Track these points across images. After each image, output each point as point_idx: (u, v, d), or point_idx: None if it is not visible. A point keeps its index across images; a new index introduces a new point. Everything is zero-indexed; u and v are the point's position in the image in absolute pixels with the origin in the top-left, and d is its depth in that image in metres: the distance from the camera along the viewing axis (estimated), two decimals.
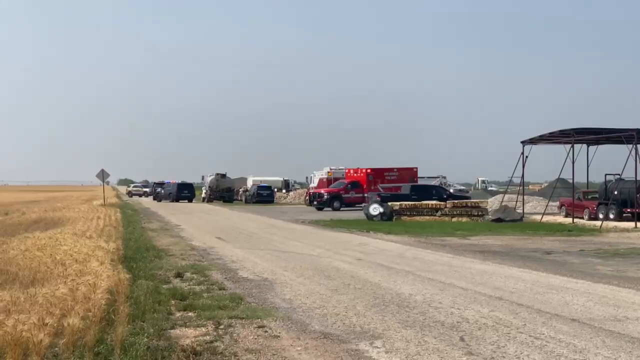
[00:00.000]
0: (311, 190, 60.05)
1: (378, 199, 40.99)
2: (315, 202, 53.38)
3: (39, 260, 14.59)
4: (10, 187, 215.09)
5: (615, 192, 33.90)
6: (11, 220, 33.18)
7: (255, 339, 8.85)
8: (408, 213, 37.35)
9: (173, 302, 11.33)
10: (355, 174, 55.98)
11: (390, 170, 55.53)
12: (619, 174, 34.39)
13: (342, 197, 52.40)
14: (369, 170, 54.78)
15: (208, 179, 76.53)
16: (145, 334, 8.55)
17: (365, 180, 53.88)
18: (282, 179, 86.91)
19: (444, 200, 40.33)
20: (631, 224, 30.87)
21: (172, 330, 9.22)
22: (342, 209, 51.06)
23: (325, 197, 52.62)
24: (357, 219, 37.55)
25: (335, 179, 58.74)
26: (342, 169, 60.49)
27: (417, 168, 57.21)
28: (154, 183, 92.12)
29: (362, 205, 45.87)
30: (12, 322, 7.63)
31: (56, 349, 7.80)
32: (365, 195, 51.14)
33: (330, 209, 50.81)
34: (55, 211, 41.57)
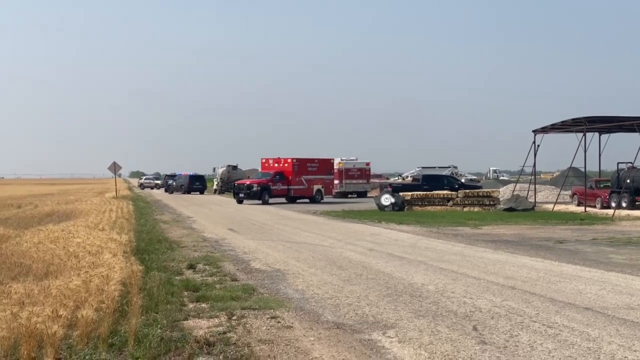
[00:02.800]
0: (236, 182, 53.73)
1: (389, 189, 40.96)
2: (242, 194, 48.32)
3: (52, 252, 14.66)
4: (23, 181, 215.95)
5: (628, 181, 33.76)
6: (24, 214, 33.33)
7: (268, 329, 8.86)
8: (420, 203, 37.34)
9: (186, 293, 11.36)
10: (276, 164, 50.74)
11: (312, 161, 51.56)
12: (631, 162, 34.23)
13: (271, 189, 48.39)
14: (294, 160, 50.15)
15: (219, 171, 76.55)
16: (159, 325, 8.57)
17: (291, 171, 49.68)
18: None
19: (456, 190, 40.28)
20: None
21: (185, 322, 9.25)
22: (270, 201, 47.87)
23: (255, 188, 47.85)
24: (368, 209, 37.54)
25: (347, 170, 58.40)
26: (353, 160, 59.96)
27: (333, 159, 54.83)
28: (166, 175, 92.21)
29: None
30: (27, 314, 7.67)
31: (70, 340, 7.83)
32: (290, 187, 49.12)
33: (260, 201, 47.48)
34: (67, 204, 41.73)
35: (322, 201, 49.83)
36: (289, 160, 50.07)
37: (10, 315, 7.76)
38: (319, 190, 50.76)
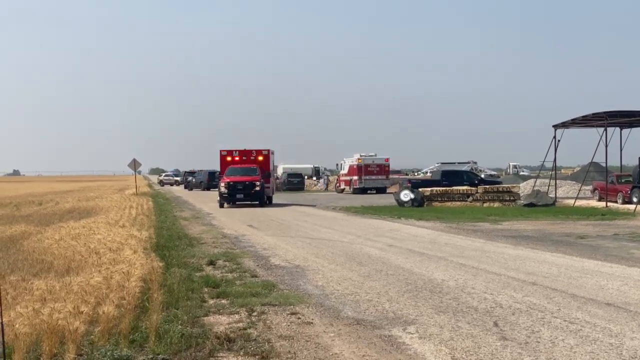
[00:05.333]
0: (221, 182, 39.88)
1: (409, 184, 40.87)
2: (240, 195, 38.39)
3: (74, 249, 14.76)
4: (44, 178, 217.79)
5: None
6: (45, 210, 33.55)
7: (289, 325, 8.86)
8: (439, 199, 37.21)
9: (206, 289, 11.39)
10: (244, 157, 41.65)
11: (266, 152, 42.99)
12: None
13: (265, 188, 39.52)
14: (271, 152, 42.41)
15: None
16: (179, 321, 8.61)
17: (269, 165, 41.71)
18: (312, 166, 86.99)
19: (475, 185, 40.11)
20: None
21: (205, 318, 9.27)
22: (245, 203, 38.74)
23: (258, 187, 38.26)
24: (387, 205, 37.47)
25: (366, 166, 58.27)
26: (372, 155, 59.83)
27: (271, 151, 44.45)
28: (185, 172, 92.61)
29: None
30: (48, 311, 7.73)
31: (92, 336, 7.88)
32: (267, 185, 40.04)
33: (257, 203, 38.72)
34: (88, 201, 41.98)
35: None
36: (265, 152, 41.99)
37: (32, 312, 7.81)
38: (269, 189, 42.07)
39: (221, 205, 37.96)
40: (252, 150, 42.13)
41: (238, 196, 38.33)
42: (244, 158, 41.66)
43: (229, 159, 41.84)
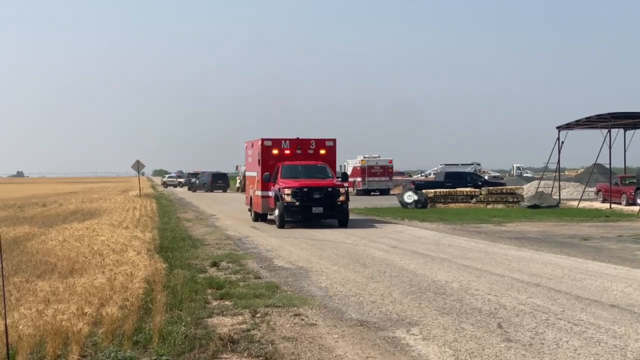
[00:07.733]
0: (283, 187, 25.42)
1: (412, 186, 40.83)
2: (317, 208, 25.05)
3: (77, 250, 14.75)
4: (48, 179, 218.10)
5: None
6: (49, 212, 33.55)
7: (292, 327, 8.86)
8: (443, 200, 37.16)
9: (209, 291, 11.40)
10: (298, 150, 27.98)
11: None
12: None
13: None
14: (335, 142, 28.73)
15: (242, 169, 76.53)
16: (183, 323, 8.60)
17: (335, 161, 28.92)
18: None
19: (479, 187, 40.06)
20: None
21: (209, 319, 9.27)
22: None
23: (342, 197, 25.40)
24: (391, 206, 37.43)
25: (369, 167, 58.11)
26: (376, 157, 59.62)
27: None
28: (189, 173, 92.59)
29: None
30: (52, 312, 7.73)
31: (95, 337, 7.88)
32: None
33: (337, 221, 25.68)
34: (92, 202, 41.97)
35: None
36: (329, 144, 28.51)
37: (36, 313, 7.81)
38: None
39: (281, 225, 25.07)
40: (309, 140, 28.47)
41: (315, 210, 25.21)
42: (297, 152, 28.16)
43: (275, 152, 27.98)
